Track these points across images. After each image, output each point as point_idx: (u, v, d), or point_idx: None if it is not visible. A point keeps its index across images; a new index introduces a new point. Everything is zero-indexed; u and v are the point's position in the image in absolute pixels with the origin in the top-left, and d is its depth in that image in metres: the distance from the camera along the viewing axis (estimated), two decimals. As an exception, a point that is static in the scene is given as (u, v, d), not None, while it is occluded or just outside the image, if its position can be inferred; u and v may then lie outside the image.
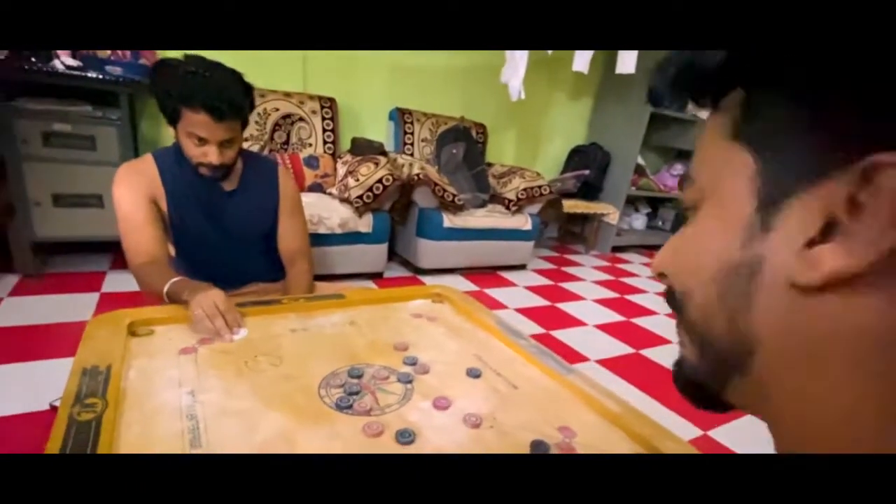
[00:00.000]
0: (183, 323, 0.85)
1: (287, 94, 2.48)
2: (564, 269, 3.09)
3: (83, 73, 1.82)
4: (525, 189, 2.74)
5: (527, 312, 2.25)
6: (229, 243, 1.20)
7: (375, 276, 2.42)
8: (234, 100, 0.99)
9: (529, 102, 3.41)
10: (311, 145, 2.56)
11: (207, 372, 0.72)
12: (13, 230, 1.87)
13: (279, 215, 1.24)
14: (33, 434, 1.12)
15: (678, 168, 3.91)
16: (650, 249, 3.97)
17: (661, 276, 0.29)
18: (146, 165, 1.09)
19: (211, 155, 1.02)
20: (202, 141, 1.01)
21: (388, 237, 2.38)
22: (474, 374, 0.79)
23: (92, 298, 1.83)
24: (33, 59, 1.77)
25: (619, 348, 2.01)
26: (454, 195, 2.49)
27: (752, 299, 0.21)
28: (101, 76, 1.85)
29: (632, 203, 4.06)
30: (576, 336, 2.07)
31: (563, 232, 3.81)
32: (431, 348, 0.87)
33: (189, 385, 0.68)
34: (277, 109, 2.44)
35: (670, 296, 0.28)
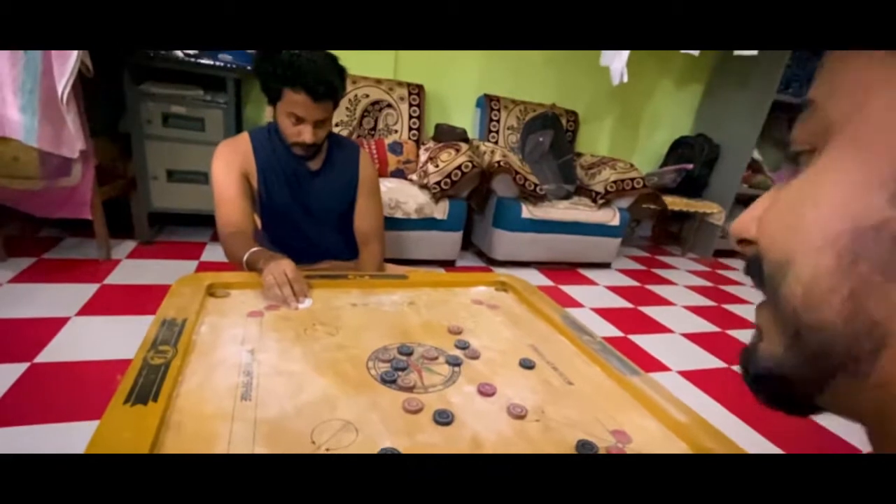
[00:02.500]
0: (256, 289, 0.91)
1: (378, 81, 2.55)
2: (655, 270, 2.87)
3: (198, 60, 2.01)
4: (616, 181, 2.57)
5: (604, 313, 2.12)
6: (310, 220, 1.27)
7: (448, 264, 2.42)
8: (331, 82, 1.06)
9: (630, 88, 3.20)
10: (396, 131, 2.61)
11: (269, 334, 0.75)
12: (135, 201, 2.14)
13: (357, 196, 1.29)
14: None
15: (800, 166, 3.44)
16: (758, 256, 3.55)
17: (743, 244, 0.23)
18: (242, 143, 1.18)
19: (305, 134, 1.09)
20: (299, 120, 1.08)
21: (464, 225, 2.36)
22: (527, 364, 0.74)
23: (192, 265, 2.03)
24: (160, 48, 1.99)
25: (708, 361, 1.82)
26: (536, 184, 2.41)
27: None
28: (213, 62, 2.03)
29: (743, 203, 3.66)
30: (658, 343, 1.91)
31: (658, 231, 3.54)
32: (486, 334, 0.84)
33: (250, 344, 0.72)
34: (367, 96, 2.52)
35: (754, 266, 0.22)
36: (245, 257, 0.99)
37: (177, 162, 2.13)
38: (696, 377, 1.68)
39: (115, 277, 1.82)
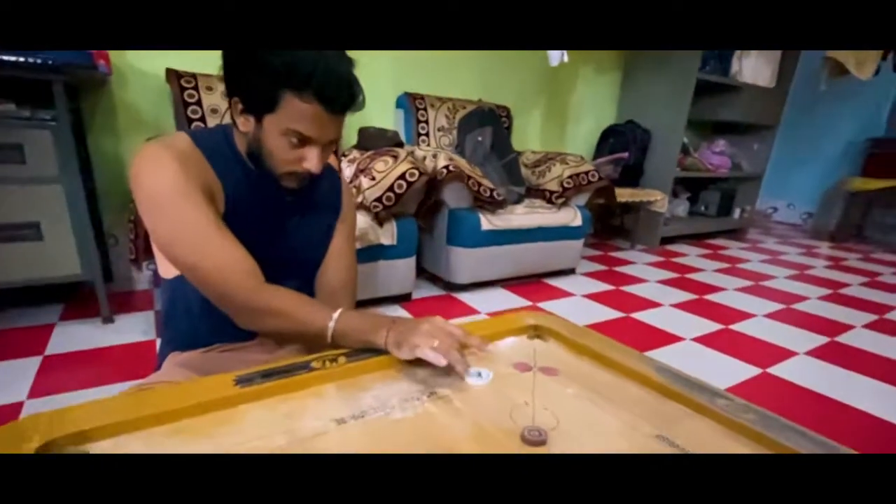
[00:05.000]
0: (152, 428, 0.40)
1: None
2: (617, 269, 2.62)
3: (-5, 57, 1.33)
4: (571, 177, 2.28)
5: (602, 329, 1.78)
6: (284, 271, 0.79)
7: (403, 299, 1.93)
8: (352, 88, 0.69)
9: (553, 79, 2.98)
10: (309, 143, 2.07)
11: None
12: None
13: (334, 236, 0.89)
14: None
15: (721, 144, 3.47)
16: (698, 239, 3.52)
17: None
18: (188, 148, 0.71)
19: (312, 159, 0.71)
20: (303, 141, 0.69)
21: (417, 248, 1.90)
22: None
23: (30, 366, 1.32)
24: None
25: (741, 370, 1.54)
26: (492, 189, 2.02)
27: None
28: (21, 59, 1.35)
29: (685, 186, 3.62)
30: (678, 357, 1.60)
31: (602, 226, 3.35)
32: (579, 430, 0.44)
33: None
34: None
35: None
36: (333, 322, 0.66)
37: (-19, 213, 1.41)
38: (746, 392, 1.37)
39: None
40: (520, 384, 0.60)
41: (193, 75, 1.79)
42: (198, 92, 1.78)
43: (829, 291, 2.38)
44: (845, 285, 2.51)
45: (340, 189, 0.91)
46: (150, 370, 0.78)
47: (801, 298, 2.25)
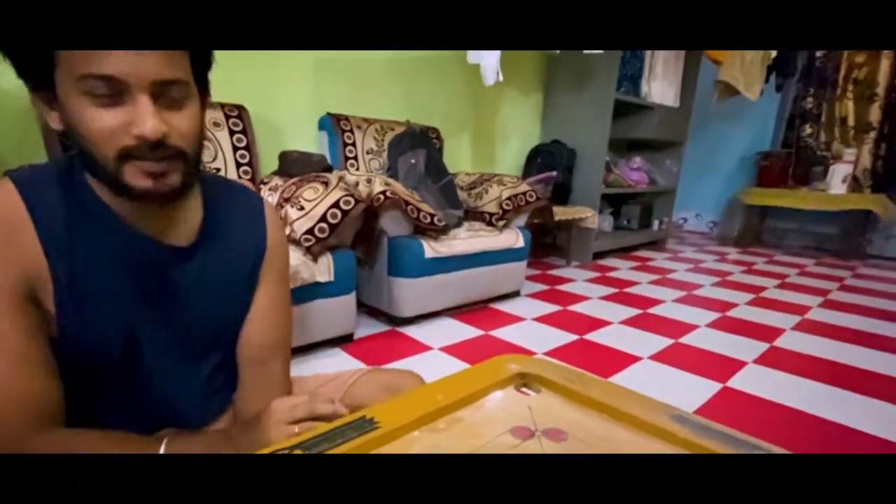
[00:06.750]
0: None
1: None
2: (558, 287, 2.58)
3: None
4: (510, 198, 2.20)
5: (561, 355, 1.69)
6: (193, 350, 0.61)
7: (345, 341, 1.71)
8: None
9: (479, 99, 2.94)
10: (218, 169, 1.81)
11: None
12: None
13: (259, 284, 0.65)
14: None
15: (637, 161, 3.64)
16: (625, 252, 3.63)
17: None
18: (5, 206, 0.48)
19: (141, 115, 0.45)
20: (114, 95, 0.44)
21: (356, 283, 1.69)
22: None
23: None
24: None
25: (703, 387, 1.51)
26: (432, 215, 1.87)
27: None
28: None
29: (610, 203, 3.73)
30: (640, 379, 1.54)
31: (535, 244, 3.34)
32: None
33: None
34: (163, 123, 1.67)
35: None
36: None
37: None
38: (714, 414, 1.32)
39: None
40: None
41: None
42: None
43: (752, 296, 2.51)
44: (763, 288, 2.67)
45: (264, 219, 0.67)
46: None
47: (733, 305, 2.34)
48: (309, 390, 0.74)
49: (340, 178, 1.70)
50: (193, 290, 0.59)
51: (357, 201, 1.57)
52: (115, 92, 0.44)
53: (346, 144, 2.21)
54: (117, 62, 0.43)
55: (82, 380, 0.54)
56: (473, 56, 2.17)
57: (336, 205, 1.53)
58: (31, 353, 0.49)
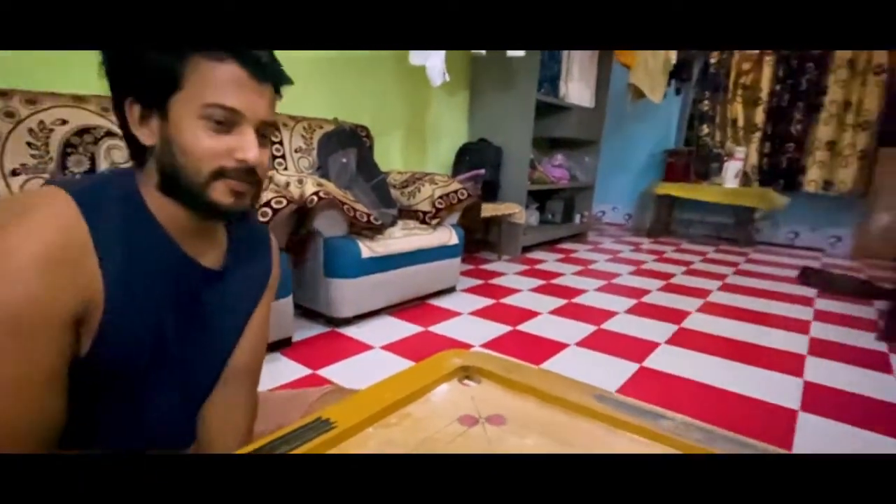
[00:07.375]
0: None
1: (79, 99, 1.58)
2: (491, 281, 2.68)
3: None
4: (442, 196, 2.25)
5: (497, 347, 1.77)
6: (185, 374, 0.60)
7: (283, 346, 1.67)
8: (274, 54, 0.55)
9: (409, 98, 2.96)
10: (135, 172, 1.69)
11: None
12: None
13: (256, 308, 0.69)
14: None
15: (559, 158, 3.84)
16: (550, 244, 3.82)
17: None
18: (67, 232, 0.46)
19: (246, 144, 0.51)
20: (228, 122, 0.50)
21: (293, 284, 1.66)
22: None
23: None
24: None
25: (623, 367, 1.65)
26: (368, 214, 1.88)
27: None
28: None
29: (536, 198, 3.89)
30: (569, 364, 1.66)
31: (467, 240, 3.42)
32: None
33: None
34: (65, 122, 1.53)
35: None
36: None
37: None
38: (639, 393, 1.46)
39: None
40: (475, 444, 0.52)
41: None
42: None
43: (663, 283, 2.76)
44: (672, 275, 2.95)
45: (270, 245, 0.71)
46: None
47: (646, 292, 2.56)
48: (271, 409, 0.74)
49: (270, 178, 1.66)
50: (218, 312, 0.61)
51: (288, 201, 1.54)
52: (229, 121, 0.50)
53: (272, 143, 2.14)
54: (242, 98, 0.50)
55: (86, 395, 0.52)
56: (417, 57, 2.18)
57: (267, 204, 1.49)
58: (57, 375, 0.47)
